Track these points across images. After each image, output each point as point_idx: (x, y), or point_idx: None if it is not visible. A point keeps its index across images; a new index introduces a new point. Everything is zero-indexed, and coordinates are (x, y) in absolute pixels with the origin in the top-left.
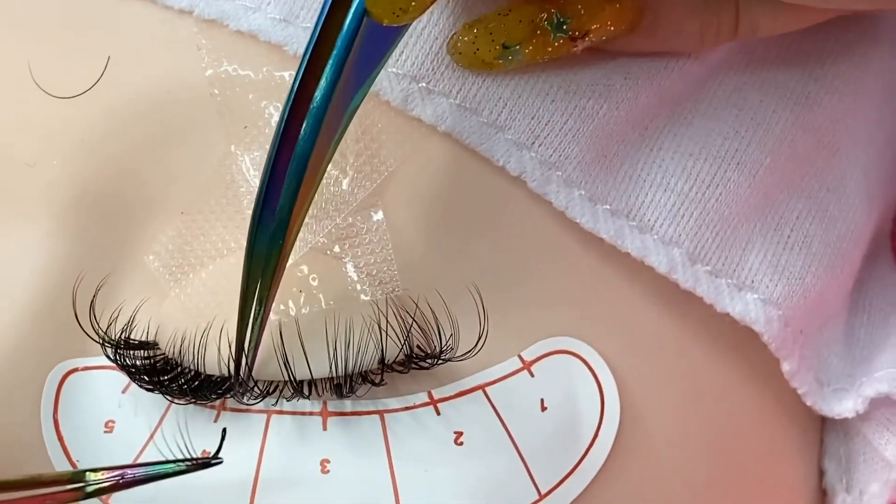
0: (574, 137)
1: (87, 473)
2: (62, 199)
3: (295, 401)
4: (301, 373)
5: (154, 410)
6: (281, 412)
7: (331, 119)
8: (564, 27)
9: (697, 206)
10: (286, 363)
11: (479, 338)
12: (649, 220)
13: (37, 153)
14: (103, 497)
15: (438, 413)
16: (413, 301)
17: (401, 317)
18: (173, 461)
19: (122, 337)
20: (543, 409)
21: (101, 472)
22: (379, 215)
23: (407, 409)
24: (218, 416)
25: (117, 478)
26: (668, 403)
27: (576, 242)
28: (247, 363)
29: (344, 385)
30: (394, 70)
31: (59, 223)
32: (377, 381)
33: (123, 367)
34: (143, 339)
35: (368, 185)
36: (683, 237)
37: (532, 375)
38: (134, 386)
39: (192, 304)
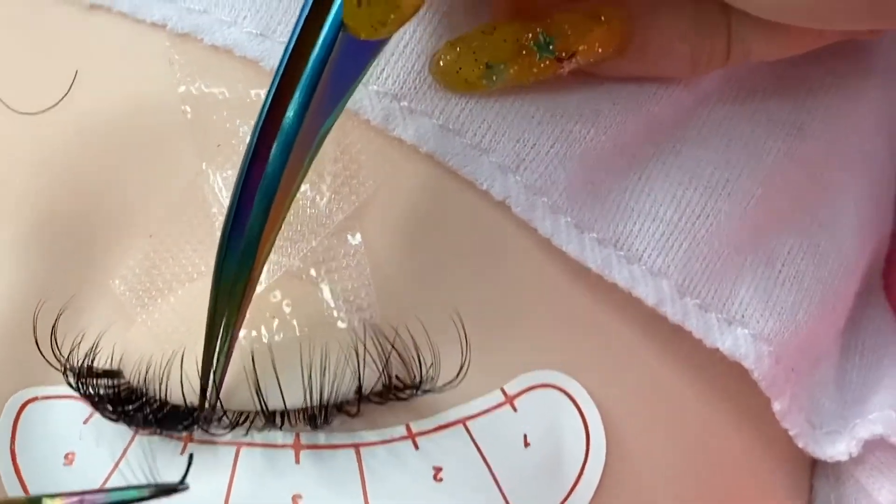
0: (560, 162)
1: (44, 500)
2: (23, 220)
3: (266, 432)
4: (274, 402)
5: (117, 441)
6: (251, 444)
7: (303, 138)
8: (551, 47)
9: (687, 237)
10: (258, 392)
11: (461, 368)
12: (637, 249)
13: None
14: None
15: (417, 447)
16: (393, 328)
17: (379, 344)
18: (136, 487)
19: (85, 364)
20: (527, 444)
21: (59, 497)
22: (357, 239)
23: (384, 442)
24: (185, 448)
25: None
26: (654, 440)
27: (562, 272)
28: (214, 392)
29: (318, 416)
30: (374, 88)
31: (20, 244)
32: (353, 412)
33: (86, 396)
34: (108, 366)
35: (346, 208)
36: (672, 268)
37: (515, 410)
38: (96, 416)
39: (160, 330)
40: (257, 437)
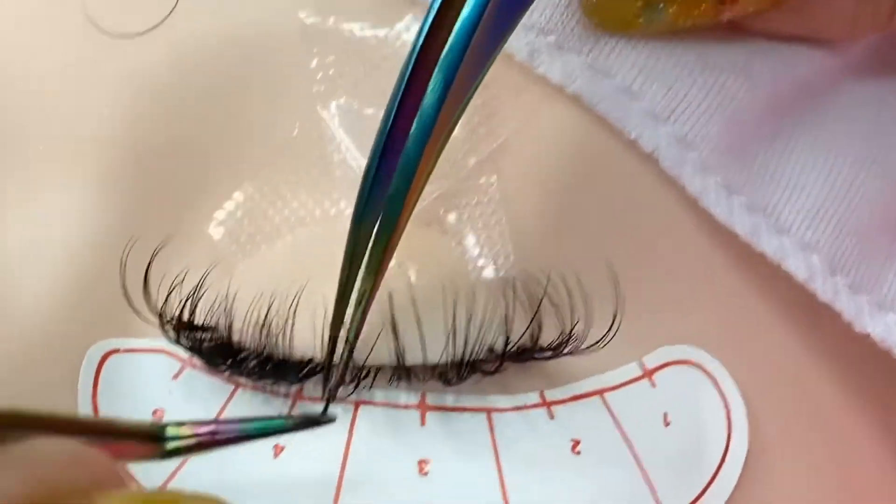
0: (711, 117)
1: (168, 428)
2: (113, 156)
3: (388, 390)
4: (412, 356)
5: (212, 398)
6: (370, 403)
7: (465, 71)
8: None
9: (836, 211)
10: (397, 346)
11: (613, 323)
12: (786, 220)
13: (86, 102)
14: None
15: (552, 417)
16: (544, 275)
17: (529, 292)
18: (277, 417)
19: (185, 314)
20: (667, 423)
21: (187, 425)
22: (493, 182)
23: (517, 409)
24: (293, 405)
25: (208, 434)
26: (794, 434)
27: (707, 239)
28: (347, 347)
29: (454, 371)
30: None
31: (108, 183)
32: (490, 369)
33: (190, 349)
34: (207, 318)
35: (483, 149)
36: (822, 243)
37: (654, 385)
38: (187, 372)
39: (270, 278)
40: (378, 395)
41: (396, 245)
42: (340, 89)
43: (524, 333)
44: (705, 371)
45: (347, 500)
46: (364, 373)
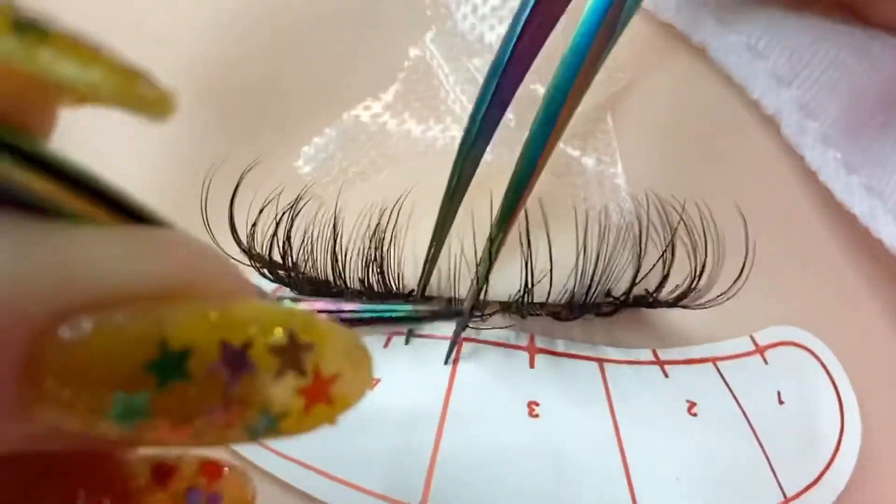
0: (832, 90)
1: (286, 301)
2: (199, 82)
3: (493, 330)
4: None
5: None
6: (475, 340)
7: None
8: None
9: None
10: (528, 276)
11: (742, 270)
12: None
13: (173, 25)
14: None
15: (667, 376)
16: (679, 202)
17: (665, 217)
18: (406, 303)
19: (274, 248)
20: (780, 402)
21: (306, 302)
22: (608, 123)
23: (630, 362)
24: (389, 341)
25: (333, 312)
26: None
27: (823, 220)
28: (476, 283)
29: (576, 303)
30: None
31: (194, 110)
32: (609, 311)
33: (278, 281)
34: (300, 252)
35: (601, 92)
36: None
37: (766, 363)
38: None
39: (368, 211)
40: (484, 334)
41: (533, 186)
42: (446, 19)
43: (658, 261)
44: (816, 356)
45: (451, 436)
46: (482, 305)
